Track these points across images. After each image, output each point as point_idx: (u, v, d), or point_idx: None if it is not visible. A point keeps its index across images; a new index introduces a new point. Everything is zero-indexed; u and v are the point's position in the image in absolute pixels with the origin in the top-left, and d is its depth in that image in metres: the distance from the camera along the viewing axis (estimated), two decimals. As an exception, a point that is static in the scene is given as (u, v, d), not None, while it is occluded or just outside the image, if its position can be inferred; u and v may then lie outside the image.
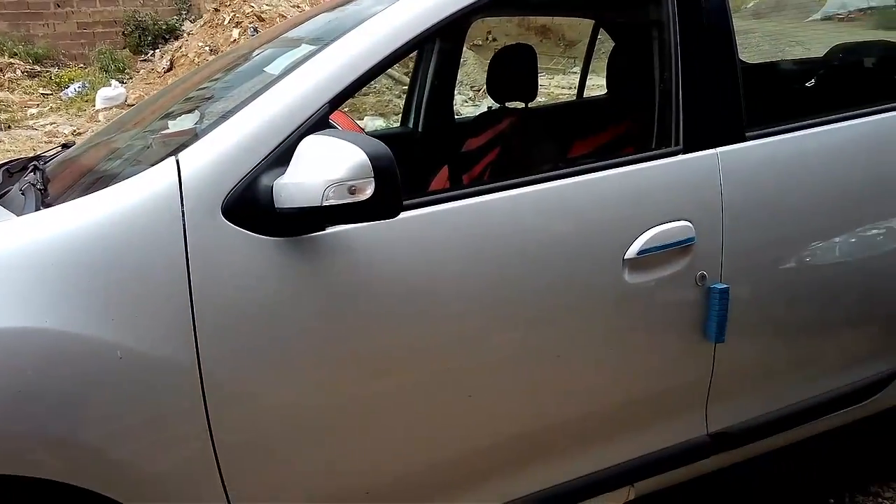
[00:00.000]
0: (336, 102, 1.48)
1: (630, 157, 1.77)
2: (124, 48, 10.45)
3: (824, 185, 1.93)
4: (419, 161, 2.92)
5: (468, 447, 1.62)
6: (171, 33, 10.53)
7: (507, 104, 2.74)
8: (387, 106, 8.14)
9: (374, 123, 7.32)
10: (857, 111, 2.03)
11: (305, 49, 1.64)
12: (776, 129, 1.89)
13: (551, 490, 1.71)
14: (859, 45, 2.73)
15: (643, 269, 1.68)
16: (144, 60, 10.30)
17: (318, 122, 1.43)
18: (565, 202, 1.65)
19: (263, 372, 1.38)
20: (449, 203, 1.54)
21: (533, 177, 1.65)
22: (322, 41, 1.61)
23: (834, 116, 1.99)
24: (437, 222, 1.52)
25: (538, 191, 1.62)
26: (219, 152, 1.38)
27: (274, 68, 1.68)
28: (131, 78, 9.76)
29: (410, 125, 3.06)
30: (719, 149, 1.79)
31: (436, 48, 2.95)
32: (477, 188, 1.59)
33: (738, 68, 1.86)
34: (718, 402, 1.85)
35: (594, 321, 1.68)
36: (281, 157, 1.38)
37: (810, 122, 1.95)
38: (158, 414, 1.32)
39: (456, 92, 8.14)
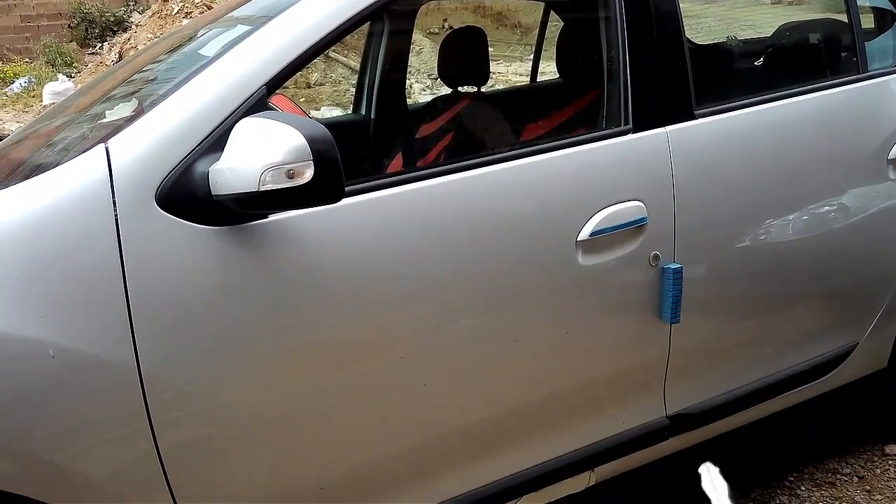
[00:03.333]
0: (274, 85, 1.42)
1: (580, 138, 1.74)
2: (71, 41, 10.16)
3: (775, 161, 1.93)
4: (373, 148, 2.87)
5: (425, 437, 1.58)
6: (119, 25, 10.27)
7: (459, 88, 2.69)
8: (344, 95, 8.04)
9: (331, 113, 7.22)
10: (804, 88, 2.04)
11: (241, 29, 1.57)
12: (725, 106, 1.89)
13: (512, 478, 1.68)
14: (805, 23, 2.74)
15: (596, 251, 1.66)
16: (92, 53, 10.03)
17: (255, 106, 1.37)
18: (516, 184, 1.62)
19: (207, 367, 1.32)
20: (397, 187, 1.50)
21: (483, 159, 1.61)
22: (263, 19, 1.55)
23: (782, 93, 1.99)
24: (385, 207, 1.47)
25: (489, 173, 1.59)
26: (151, 138, 1.31)
27: (209, 50, 1.61)
28: (79, 72, 9.49)
29: (363, 112, 3.00)
30: (669, 127, 1.77)
31: (385, 32, 2.89)
32: (425, 172, 1.55)
33: (686, 46, 1.85)
34: (676, 384, 1.84)
35: (549, 304, 1.65)
36: (217, 142, 1.32)
37: (759, 99, 1.95)
38: (97, 415, 1.26)
39: (413, 80, 8.09)
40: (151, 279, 1.27)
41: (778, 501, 2.12)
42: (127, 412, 1.26)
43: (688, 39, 2.88)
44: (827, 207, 2.03)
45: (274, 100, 1.77)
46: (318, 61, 8.46)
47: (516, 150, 1.70)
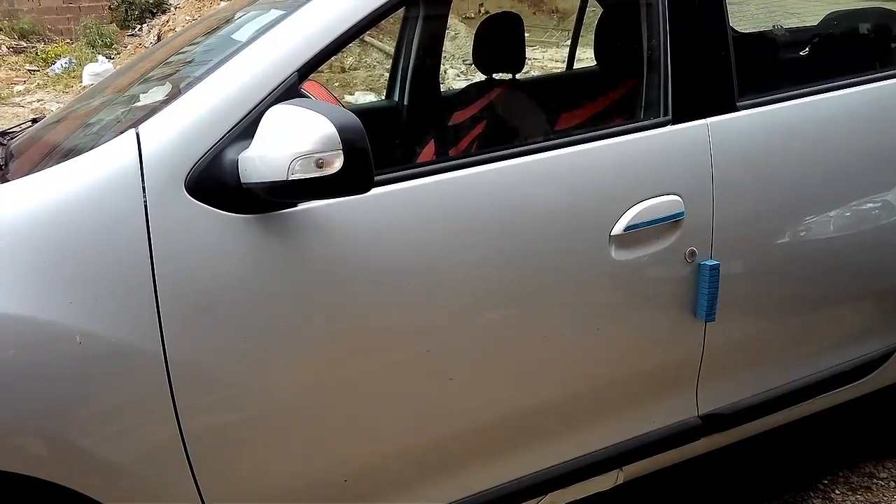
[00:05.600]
0: (306, 71, 1.40)
1: (617, 129, 1.70)
2: (111, 23, 10.27)
3: (818, 156, 1.87)
4: (405, 135, 2.85)
5: (451, 431, 1.57)
6: (159, 7, 10.35)
7: (494, 76, 2.66)
8: (378, 80, 8.02)
9: (365, 98, 7.20)
10: (852, 80, 1.96)
11: (275, 13, 1.56)
12: (768, 98, 1.83)
13: (538, 475, 1.65)
14: (854, 11, 2.65)
15: (631, 246, 1.62)
16: (132, 35, 10.14)
17: (287, 93, 1.36)
18: (549, 176, 1.58)
19: (233, 356, 1.32)
20: (427, 177, 1.47)
21: (516, 150, 1.58)
22: (297, 3, 1.53)
23: (828, 85, 1.92)
24: (415, 197, 1.45)
25: (521, 164, 1.56)
26: (181, 124, 1.30)
27: (241, 35, 1.59)
28: (119, 53, 9.60)
29: (396, 99, 2.97)
30: (709, 119, 1.72)
31: (420, 18, 2.86)
32: (456, 162, 1.52)
33: (730, 36, 1.79)
34: (709, 383, 1.79)
35: (581, 300, 1.61)
36: (247, 129, 1.31)
37: (804, 91, 1.89)
38: (123, 401, 1.26)
39: (448, 65, 8.03)
40: (179, 266, 1.26)
41: (810, 505, 2.07)
42: (152, 398, 1.26)
43: (731, 28, 2.81)
44: (870, 205, 1.96)
45: (307, 86, 1.75)
46: (353, 45, 8.44)
47: (550, 140, 1.66)
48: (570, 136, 1.69)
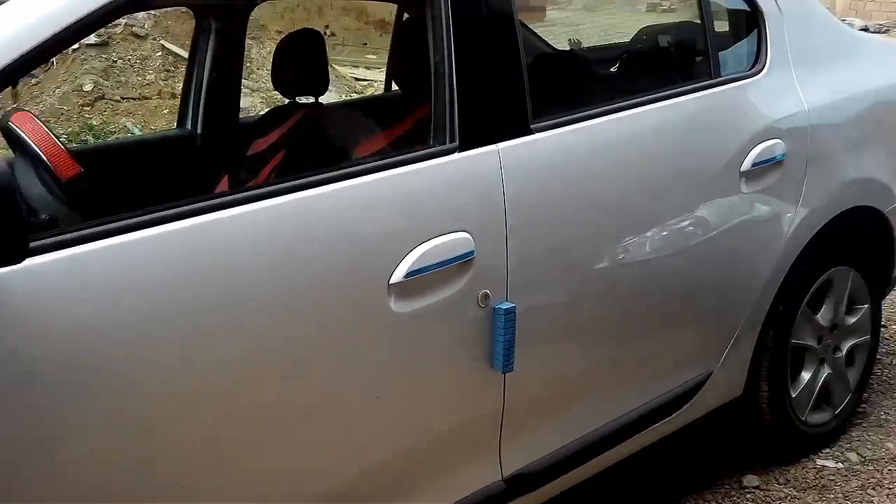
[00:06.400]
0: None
1: (397, 159, 1.49)
2: None
3: (623, 178, 1.76)
4: (199, 169, 2.55)
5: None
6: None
7: (297, 99, 2.41)
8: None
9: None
10: (656, 96, 1.87)
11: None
12: (566, 119, 1.68)
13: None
14: (661, 27, 2.61)
15: (413, 295, 1.41)
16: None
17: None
18: (314, 217, 1.35)
19: None
20: (151, 228, 1.19)
21: (268, 189, 1.33)
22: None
23: (631, 102, 1.82)
24: (131, 252, 1.17)
25: (280, 205, 1.31)
26: None
27: None
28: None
29: (188, 127, 2.65)
30: (501, 144, 1.55)
31: (211, 37, 2.57)
32: (184, 209, 1.23)
33: (522, 53, 1.63)
34: (514, 440, 1.60)
35: (356, 364, 1.38)
36: None
37: (605, 109, 1.77)
38: None
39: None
40: None
41: (631, 550, 1.92)
42: None
43: (546, 44, 2.70)
44: (681, 225, 1.87)
45: (15, 119, 1.45)
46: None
47: (320, 174, 1.42)
48: (347, 168, 1.46)
